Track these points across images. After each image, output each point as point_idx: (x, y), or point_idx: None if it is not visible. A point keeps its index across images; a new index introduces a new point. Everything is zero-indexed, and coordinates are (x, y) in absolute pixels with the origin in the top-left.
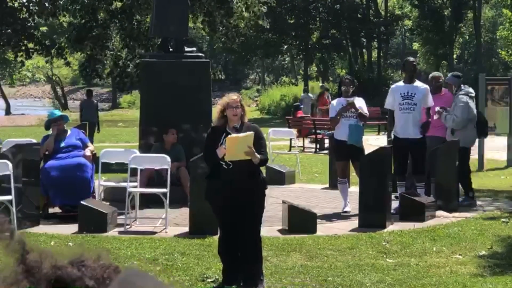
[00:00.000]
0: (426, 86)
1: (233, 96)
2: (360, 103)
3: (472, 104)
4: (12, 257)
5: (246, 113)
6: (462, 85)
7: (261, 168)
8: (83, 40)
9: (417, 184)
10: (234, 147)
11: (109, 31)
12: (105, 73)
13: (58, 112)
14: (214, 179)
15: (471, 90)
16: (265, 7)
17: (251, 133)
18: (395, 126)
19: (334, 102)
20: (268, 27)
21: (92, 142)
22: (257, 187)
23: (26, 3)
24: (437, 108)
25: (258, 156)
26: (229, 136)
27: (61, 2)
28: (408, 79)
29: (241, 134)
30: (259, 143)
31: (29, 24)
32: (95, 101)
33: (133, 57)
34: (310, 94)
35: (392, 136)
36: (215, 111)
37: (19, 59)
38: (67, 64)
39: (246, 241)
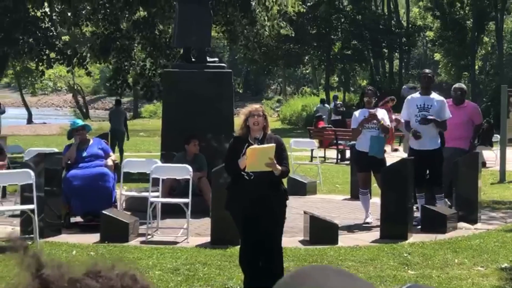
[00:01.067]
0: (442, 98)
1: (255, 105)
2: (382, 114)
3: None
4: (27, 272)
5: (268, 124)
6: None
7: (282, 179)
8: (108, 51)
9: (436, 196)
10: (255, 158)
11: (133, 41)
12: (131, 83)
13: (80, 122)
14: (235, 190)
15: None
16: (284, 21)
17: (272, 145)
18: (411, 138)
19: (357, 113)
20: (293, 35)
21: (122, 151)
22: (278, 198)
23: (49, 13)
24: (394, 116)
25: (279, 167)
26: (250, 147)
27: (84, 12)
28: (424, 91)
29: (262, 146)
30: (281, 155)
31: (51, 33)
32: (124, 110)
33: (157, 67)
34: (327, 105)
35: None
36: (239, 121)
37: (40, 68)
38: (88, 74)
39: (268, 251)
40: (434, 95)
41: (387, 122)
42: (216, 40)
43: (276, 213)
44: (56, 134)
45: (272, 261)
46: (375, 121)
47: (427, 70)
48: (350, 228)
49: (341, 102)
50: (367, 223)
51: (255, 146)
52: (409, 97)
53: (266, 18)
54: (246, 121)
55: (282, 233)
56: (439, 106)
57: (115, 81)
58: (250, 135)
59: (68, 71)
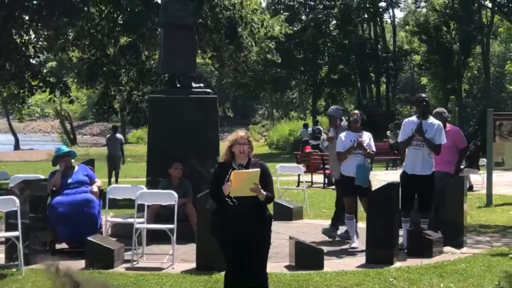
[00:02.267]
0: (439, 122)
1: (241, 133)
2: (367, 138)
3: None
4: None
5: (253, 150)
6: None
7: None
8: (95, 77)
9: (421, 220)
10: (239, 182)
11: (119, 67)
12: (118, 109)
13: (65, 148)
14: (219, 215)
15: None
16: (273, 42)
17: (257, 170)
18: (405, 161)
19: (343, 135)
20: (279, 61)
21: (118, 175)
22: (263, 224)
23: (34, 39)
24: (323, 137)
25: (264, 193)
26: (234, 171)
27: (70, 37)
28: (421, 115)
29: (247, 170)
30: (266, 180)
31: (33, 61)
32: (120, 136)
33: (144, 93)
34: (310, 129)
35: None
36: (223, 147)
37: (21, 96)
38: (71, 102)
39: (253, 277)
40: (431, 120)
41: (372, 147)
42: (202, 66)
43: (260, 239)
44: (43, 160)
45: (258, 287)
46: (362, 151)
47: (423, 95)
48: (336, 253)
49: (319, 127)
50: (353, 248)
51: (240, 170)
52: (406, 120)
53: (253, 43)
54: (230, 148)
55: (267, 259)
56: (435, 130)
57: (101, 107)
58: (235, 161)
59: (49, 100)
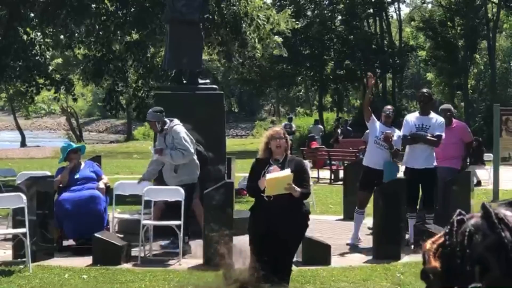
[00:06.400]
0: (441, 118)
1: (276, 128)
2: (396, 136)
3: None
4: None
5: (289, 146)
6: (167, 119)
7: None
8: (101, 74)
9: (426, 216)
10: (274, 185)
11: (125, 63)
12: (124, 105)
13: (73, 144)
14: (256, 211)
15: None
16: (280, 38)
17: (289, 174)
18: (405, 156)
19: (377, 124)
20: (286, 55)
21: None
22: (298, 220)
23: (40, 36)
24: (151, 148)
25: (298, 190)
26: (268, 177)
27: (76, 35)
28: (422, 110)
29: (279, 175)
30: (302, 176)
31: (40, 59)
32: None
33: (150, 89)
34: (320, 126)
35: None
36: (260, 144)
37: (29, 94)
38: (75, 100)
39: (280, 272)
40: (433, 115)
41: (397, 145)
42: (209, 62)
43: (295, 233)
44: (49, 157)
45: (283, 282)
46: (387, 145)
47: (424, 90)
48: (343, 249)
49: (291, 123)
50: (348, 244)
51: (273, 175)
52: (408, 115)
53: (256, 40)
54: (268, 144)
55: (296, 252)
56: (433, 124)
57: (108, 103)
58: (272, 157)
59: (54, 98)
